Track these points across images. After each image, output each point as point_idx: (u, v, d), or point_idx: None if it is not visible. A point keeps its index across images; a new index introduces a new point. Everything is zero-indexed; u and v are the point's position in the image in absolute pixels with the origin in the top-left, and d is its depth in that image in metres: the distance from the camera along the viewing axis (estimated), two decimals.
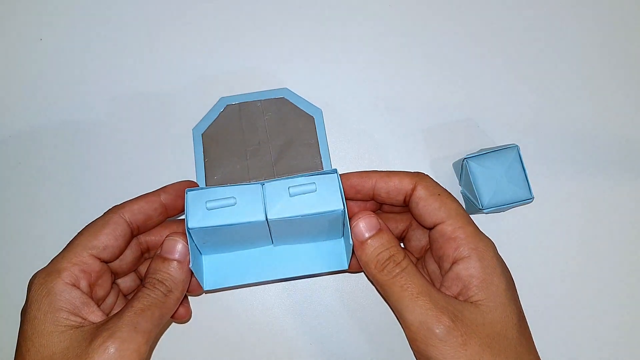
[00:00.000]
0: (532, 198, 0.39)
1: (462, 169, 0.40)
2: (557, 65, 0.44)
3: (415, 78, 0.44)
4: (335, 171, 0.32)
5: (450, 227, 0.32)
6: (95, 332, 0.29)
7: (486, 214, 0.41)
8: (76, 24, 0.45)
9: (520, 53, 0.44)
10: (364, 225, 0.32)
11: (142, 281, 0.33)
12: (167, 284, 0.31)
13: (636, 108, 0.44)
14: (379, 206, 0.37)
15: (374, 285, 0.34)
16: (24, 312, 0.31)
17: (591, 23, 0.45)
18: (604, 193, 0.43)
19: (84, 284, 0.31)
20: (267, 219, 0.32)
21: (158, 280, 0.31)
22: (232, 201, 0.31)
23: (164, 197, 0.35)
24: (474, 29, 0.45)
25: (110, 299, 0.35)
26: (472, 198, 0.40)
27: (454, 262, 0.31)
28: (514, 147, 0.39)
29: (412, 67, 0.44)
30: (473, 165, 0.39)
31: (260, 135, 0.40)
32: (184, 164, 0.42)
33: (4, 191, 0.44)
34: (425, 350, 0.29)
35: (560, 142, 0.43)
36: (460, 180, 0.42)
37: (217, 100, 0.42)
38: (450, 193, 0.33)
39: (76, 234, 0.33)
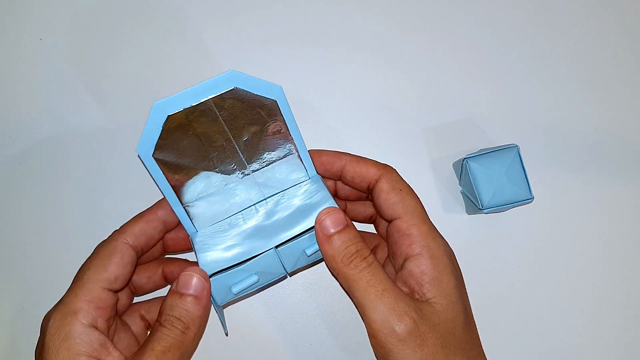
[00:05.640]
0: (532, 198, 0.39)
1: (462, 169, 0.40)
2: (558, 65, 0.44)
3: (414, 78, 0.44)
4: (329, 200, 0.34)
5: (405, 223, 0.32)
6: None
7: (486, 214, 0.41)
8: (76, 24, 0.45)
9: (520, 53, 0.44)
10: (330, 221, 0.32)
11: (158, 317, 0.32)
12: (185, 321, 0.30)
13: (636, 108, 0.44)
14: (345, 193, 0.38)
15: (337, 279, 0.34)
16: (40, 356, 0.30)
17: (591, 22, 0.45)
18: (604, 193, 0.43)
19: (101, 322, 0.31)
20: (285, 272, 0.34)
21: (175, 317, 0.30)
22: (255, 278, 0.33)
23: (161, 214, 0.35)
24: (474, 29, 0.45)
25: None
26: (472, 198, 0.40)
27: (406, 259, 0.32)
28: (514, 147, 0.39)
29: (411, 67, 0.44)
30: (473, 165, 0.39)
31: (220, 137, 0.32)
32: None
33: (4, 191, 0.44)
34: (384, 347, 0.30)
35: (560, 142, 0.43)
36: (460, 180, 0.42)
37: (151, 107, 0.31)
38: (412, 190, 0.34)
39: (81, 265, 0.33)
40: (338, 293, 0.42)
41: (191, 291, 0.31)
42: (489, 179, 0.39)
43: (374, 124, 0.44)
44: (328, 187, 0.35)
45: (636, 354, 0.41)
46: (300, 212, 0.34)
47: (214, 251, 0.33)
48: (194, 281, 0.31)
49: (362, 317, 0.31)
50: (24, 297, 0.42)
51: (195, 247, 0.34)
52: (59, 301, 0.31)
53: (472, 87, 0.44)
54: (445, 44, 0.45)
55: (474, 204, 0.40)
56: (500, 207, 0.39)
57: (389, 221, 0.34)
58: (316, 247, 0.33)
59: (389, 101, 0.44)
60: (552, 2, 0.45)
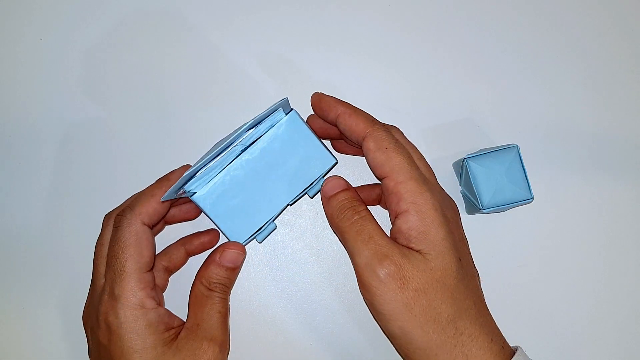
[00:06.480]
0: (532, 198, 0.39)
1: (462, 169, 0.40)
2: (558, 65, 0.44)
3: (414, 78, 0.44)
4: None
5: (392, 182, 0.33)
6: (195, 337, 0.34)
7: (486, 214, 0.41)
8: (76, 24, 0.45)
9: (520, 53, 0.44)
10: (330, 186, 0.35)
11: (199, 279, 0.36)
12: (228, 285, 0.36)
13: (636, 108, 0.44)
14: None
15: (340, 240, 0.35)
16: (115, 347, 0.33)
17: (591, 22, 0.45)
18: (604, 193, 0.43)
19: (156, 297, 0.34)
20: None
21: (222, 284, 0.36)
22: (273, 226, 0.37)
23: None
24: (474, 29, 0.45)
25: None
26: (472, 198, 0.40)
27: (396, 217, 0.33)
28: (514, 147, 0.39)
29: (411, 67, 0.44)
30: (473, 165, 0.39)
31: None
32: (182, 160, 0.42)
33: (4, 191, 0.44)
34: (368, 291, 0.31)
35: (560, 142, 0.43)
36: (460, 180, 0.42)
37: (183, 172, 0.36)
38: (400, 146, 0.34)
39: (109, 252, 0.34)
40: (337, 293, 0.42)
41: (232, 264, 0.36)
42: (489, 179, 0.39)
43: None
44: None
45: (636, 354, 0.41)
46: (265, 124, 0.37)
47: (207, 185, 0.36)
48: (237, 257, 0.36)
49: (353, 267, 0.32)
50: (24, 297, 0.42)
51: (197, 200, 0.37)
52: (112, 295, 0.33)
53: (472, 87, 0.44)
54: (446, 44, 0.45)
55: (474, 204, 0.40)
56: (500, 207, 0.39)
57: (380, 180, 0.34)
58: (315, 190, 0.37)
59: (389, 101, 0.44)
60: (552, 2, 0.45)
